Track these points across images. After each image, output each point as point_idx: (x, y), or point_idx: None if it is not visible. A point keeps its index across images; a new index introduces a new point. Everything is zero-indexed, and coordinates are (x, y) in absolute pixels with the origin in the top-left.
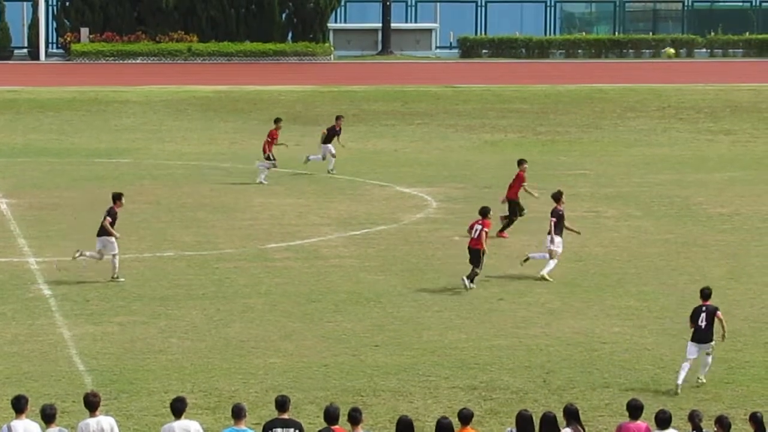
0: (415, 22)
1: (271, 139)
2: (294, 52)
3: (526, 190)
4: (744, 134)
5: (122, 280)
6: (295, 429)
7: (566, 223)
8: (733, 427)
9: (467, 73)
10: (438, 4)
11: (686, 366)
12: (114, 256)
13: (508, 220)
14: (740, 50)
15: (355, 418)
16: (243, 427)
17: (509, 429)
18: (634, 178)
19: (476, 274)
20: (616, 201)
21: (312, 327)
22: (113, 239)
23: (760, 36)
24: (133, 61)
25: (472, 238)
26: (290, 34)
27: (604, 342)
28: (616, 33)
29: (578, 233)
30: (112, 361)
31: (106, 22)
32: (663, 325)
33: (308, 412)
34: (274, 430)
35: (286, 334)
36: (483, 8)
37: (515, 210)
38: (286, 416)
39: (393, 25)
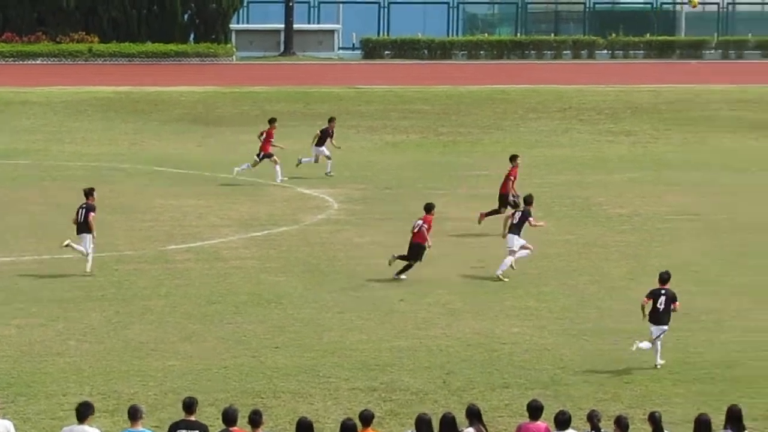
0: (318, 23)
1: (267, 138)
2: (196, 53)
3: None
4: (644, 135)
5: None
6: (199, 431)
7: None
8: (631, 426)
9: (370, 74)
10: (341, 5)
11: (648, 345)
12: (80, 246)
13: (493, 211)
14: (641, 51)
15: (255, 420)
16: (139, 428)
17: (409, 431)
18: (535, 179)
19: (410, 267)
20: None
21: (212, 329)
22: (92, 236)
23: (660, 37)
24: (33, 62)
25: (414, 233)
26: (192, 35)
27: (504, 342)
28: (518, 34)
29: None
30: (10, 364)
31: (5, 22)
32: (563, 326)
33: (208, 414)
34: (178, 431)
35: (185, 336)
36: (386, 9)
37: (504, 203)
38: (192, 418)
39: (295, 26)
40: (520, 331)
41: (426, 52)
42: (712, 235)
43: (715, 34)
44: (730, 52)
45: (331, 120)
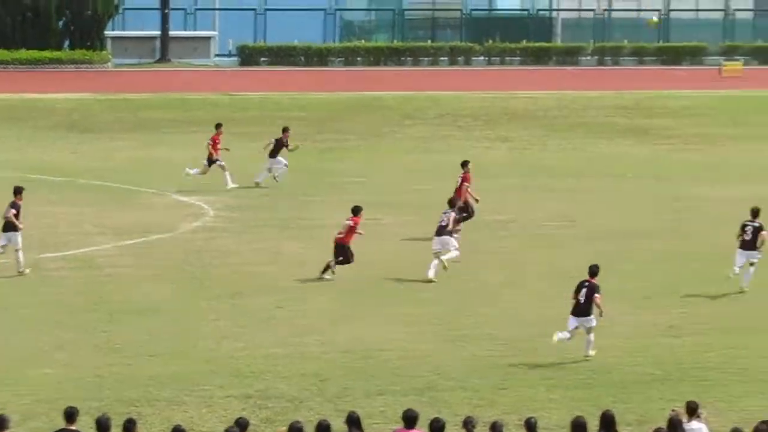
0: (194, 29)
1: (214, 143)
2: (71, 59)
3: (468, 193)
4: (521, 141)
5: (28, 271)
6: None
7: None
8: None
9: (246, 81)
10: (217, 12)
11: (561, 335)
12: (17, 251)
13: (463, 217)
14: (517, 58)
15: (129, 429)
16: None
17: None
18: (413, 185)
19: (343, 263)
20: (394, 208)
21: (86, 337)
22: (18, 233)
23: (536, 44)
24: None
25: (339, 233)
26: (67, 42)
27: (380, 349)
28: (395, 41)
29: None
30: None
31: None
32: (439, 332)
33: (82, 423)
34: None
35: (59, 345)
36: (262, 16)
37: (464, 208)
38: (73, 427)
39: (171, 32)
40: (396, 338)
41: (302, 58)
42: (589, 240)
43: (591, 41)
44: (605, 58)
45: (285, 130)
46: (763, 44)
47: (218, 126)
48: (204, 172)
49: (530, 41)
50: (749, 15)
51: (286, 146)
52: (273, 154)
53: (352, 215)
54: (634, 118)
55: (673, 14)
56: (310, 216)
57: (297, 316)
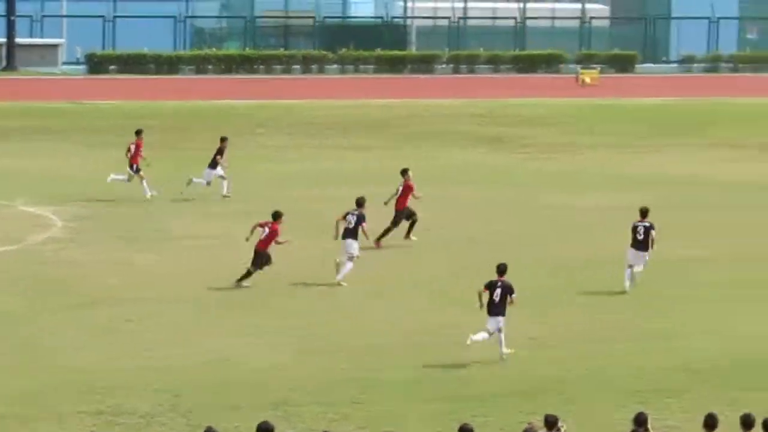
0: (41, 37)
1: (137, 150)
2: None
3: (414, 197)
4: (376, 150)
5: None
6: None
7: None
8: None
9: (95, 89)
10: (64, 19)
11: (478, 337)
12: None
13: (386, 230)
14: (372, 66)
15: None
16: None
17: None
18: (266, 193)
19: (249, 274)
20: (248, 218)
21: None
22: None
23: (390, 52)
24: None
25: (260, 240)
26: None
27: (236, 362)
28: (247, 49)
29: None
30: None
31: None
32: (295, 345)
33: None
34: None
35: None
36: (111, 23)
37: (399, 220)
38: None
39: (18, 39)
40: (252, 351)
41: (153, 66)
42: (446, 249)
43: (446, 49)
44: (461, 66)
45: (223, 140)
46: (620, 52)
47: (138, 132)
48: (130, 179)
49: (384, 49)
50: (605, 23)
51: (220, 154)
52: (212, 165)
53: (272, 220)
54: (488, 125)
55: (529, 22)
56: (161, 227)
57: (149, 329)
